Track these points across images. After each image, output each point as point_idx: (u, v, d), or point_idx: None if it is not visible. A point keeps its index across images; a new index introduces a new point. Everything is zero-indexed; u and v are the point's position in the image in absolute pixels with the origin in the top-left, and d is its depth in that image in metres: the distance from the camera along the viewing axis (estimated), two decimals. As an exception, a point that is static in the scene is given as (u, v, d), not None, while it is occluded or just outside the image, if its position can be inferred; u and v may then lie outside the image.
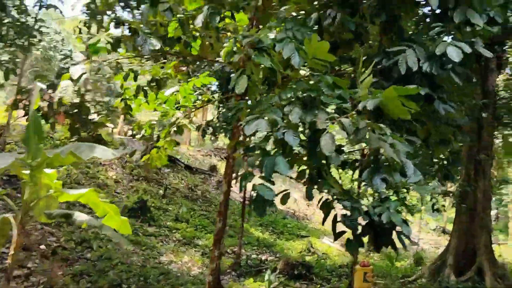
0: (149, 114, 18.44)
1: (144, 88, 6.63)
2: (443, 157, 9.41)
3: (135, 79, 6.27)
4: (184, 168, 20.28)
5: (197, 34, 6.20)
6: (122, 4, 4.52)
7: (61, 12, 5.11)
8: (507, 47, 11.44)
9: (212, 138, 15.91)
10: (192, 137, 31.44)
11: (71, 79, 5.41)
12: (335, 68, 6.25)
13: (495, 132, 11.79)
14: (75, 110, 10.41)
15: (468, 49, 4.51)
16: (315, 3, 6.25)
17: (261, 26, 5.93)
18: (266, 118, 4.02)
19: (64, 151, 4.98)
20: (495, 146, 13.84)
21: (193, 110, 8.03)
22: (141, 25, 4.87)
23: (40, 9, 10.04)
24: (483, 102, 10.38)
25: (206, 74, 7.63)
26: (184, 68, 7.19)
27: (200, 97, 7.98)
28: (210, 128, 10.57)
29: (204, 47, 6.15)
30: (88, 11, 4.47)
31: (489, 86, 10.92)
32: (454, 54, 4.45)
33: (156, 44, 4.67)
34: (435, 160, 10.11)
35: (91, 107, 7.02)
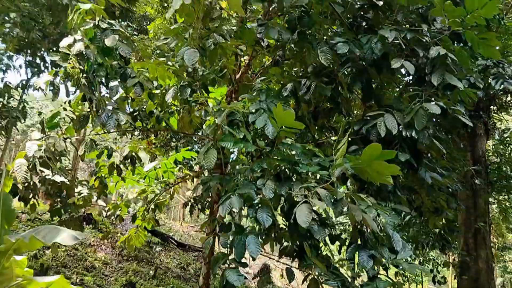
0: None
1: (118, 165, 6.37)
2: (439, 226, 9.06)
3: (109, 156, 6.03)
4: (177, 246, 19.50)
5: (175, 108, 6.08)
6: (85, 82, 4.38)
7: (45, 94, 5.01)
8: (493, 112, 11.51)
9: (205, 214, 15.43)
10: (186, 212, 30.77)
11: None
12: (315, 137, 6.06)
13: (490, 199, 11.47)
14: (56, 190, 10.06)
15: (446, 105, 4.35)
16: (293, 73, 6.25)
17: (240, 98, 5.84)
18: (238, 194, 3.72)
19: (27, 236, 4.61)
20: (492, 212, 13.45)
21: (175, 184, 7.71)
22: (110, 101, 4.72)
23: (24, 90, 10.07)
24: (474, 168, 10.19)
25: (187, 148, 7.42)
26: (157, 144, 7.01)
27: (181, 172, 7.71)
28: (199, 205, 10.18)
29: (183, 121, 5.98)
30: (52, 89, 4.32)
31: (479, 151, 10.81)
32: (433, 108, 4.27)
33: (122, 120, 4.48)
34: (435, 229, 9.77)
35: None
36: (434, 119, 5.26)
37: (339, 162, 3.49)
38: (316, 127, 6.24)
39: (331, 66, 5.57)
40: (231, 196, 3.64)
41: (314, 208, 3.29)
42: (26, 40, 10.77)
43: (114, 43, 4.71)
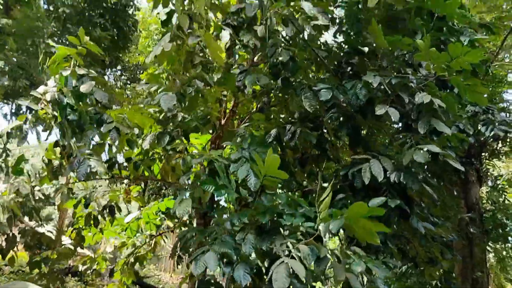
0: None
1: (96, 215, 6.05)
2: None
3: (86, 206, 5.74)
4: (165, 300, 18.67)
5: (157, 155, 5.86)
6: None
7: (28, 143, 4.82)
8: (484, 158, 11.39)
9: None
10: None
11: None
12: (302, 185, 5.83)
13: (487, 248, 11.12)
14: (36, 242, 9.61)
15: (436, 149, 4.15)
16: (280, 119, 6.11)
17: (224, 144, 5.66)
18: (214, 250, 3.43)
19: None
20: (489, 262, 13.03)
21: (157, 235, 7.35)
22: (84, 147, 4.50)
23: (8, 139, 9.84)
24: (469, 216, 9.93)
25: (171, 197, 7.13)
26: (138, 192, 6.73)
27: (165, 222, 7.37)
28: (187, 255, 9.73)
29: (164, 170, 5.74)
30: (18, 134, 4.11)
31: (472, 199, 10.59)
32: (419, 155, 4.07)
33: (95, 166, 4.24)
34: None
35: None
36: (424, 165, 5.08)
37: (324, 215, 3.24)
38: (305, 174, 6.03)
39: (317, 112, 5.45)
40: (206, 252, 3.35)
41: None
42: (13, 88, 10.71)
43: (90, 89, 4.56)
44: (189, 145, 4.80)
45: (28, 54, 10.73)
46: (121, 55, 14.50)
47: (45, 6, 13.26)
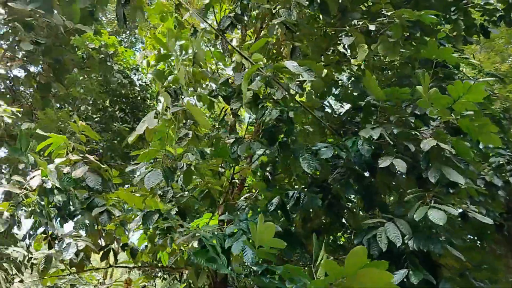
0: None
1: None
2: None
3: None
4: None
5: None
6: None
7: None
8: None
9: None
10: None
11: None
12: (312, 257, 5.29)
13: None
14: None
15: (454, 211, 3.65)
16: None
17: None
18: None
19: None
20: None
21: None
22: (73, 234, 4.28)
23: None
24: (521, 277, 8.82)
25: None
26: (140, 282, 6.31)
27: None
28: None
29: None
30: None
31: (522, 257, 9.49)
32: (437, 216, 3.58)
33: (81, 246, 4.00)
34: None
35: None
36: (451, 223, 4.54)
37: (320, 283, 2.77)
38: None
39: (321, 174, 5.11)
40: None
41: None
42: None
43: (81, 175, 4.46)
44: (186, 224, 4.46)
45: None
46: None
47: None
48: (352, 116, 5.57)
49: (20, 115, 9.71)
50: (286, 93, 4.44)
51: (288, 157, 4.80)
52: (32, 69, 11.25)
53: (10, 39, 9.25)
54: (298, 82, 4.26)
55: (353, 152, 4.45)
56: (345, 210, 5.44)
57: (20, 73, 11.25)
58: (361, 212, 5.99)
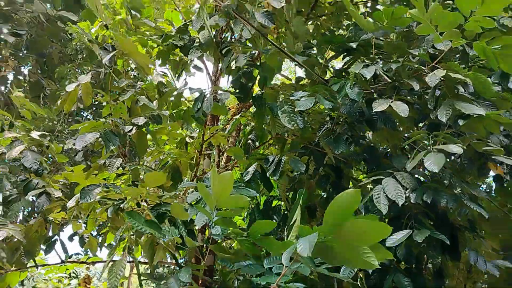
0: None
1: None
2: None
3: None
4: None
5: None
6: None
7: None
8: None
9: None
10: None
11: None
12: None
13: None
14: None
15: (456, 149, 2.75)
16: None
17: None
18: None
19: None
20: None
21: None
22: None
23: None
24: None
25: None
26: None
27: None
28: None
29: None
30: None
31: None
32: (433, 165, 2.67)
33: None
34: None
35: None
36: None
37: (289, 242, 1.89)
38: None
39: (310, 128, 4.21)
40: None
41: None
42: None
43: (16, 154, 3.70)
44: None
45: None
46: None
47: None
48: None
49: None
50: (255, 30, 3.55)
51: (262, 114, 3.93)
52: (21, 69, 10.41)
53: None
54: (266, 12, 3.37)
55: (341, 98, 3.54)
56: (342, 179, 4.46)
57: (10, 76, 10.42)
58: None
